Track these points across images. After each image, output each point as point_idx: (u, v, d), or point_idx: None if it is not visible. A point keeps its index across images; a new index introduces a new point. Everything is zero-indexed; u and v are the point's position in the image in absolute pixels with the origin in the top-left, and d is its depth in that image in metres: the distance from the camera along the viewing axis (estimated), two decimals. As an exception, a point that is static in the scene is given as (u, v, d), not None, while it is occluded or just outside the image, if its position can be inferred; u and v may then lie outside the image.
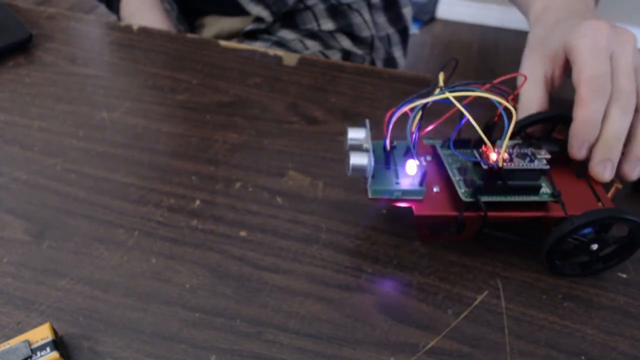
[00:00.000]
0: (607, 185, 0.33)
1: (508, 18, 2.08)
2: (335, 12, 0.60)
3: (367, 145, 0.30)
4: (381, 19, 0.64)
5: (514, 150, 0.29)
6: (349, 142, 0.31)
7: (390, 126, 0.29)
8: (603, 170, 0.31)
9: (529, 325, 0.29)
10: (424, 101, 0.28)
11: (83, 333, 0.28)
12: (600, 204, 0.31)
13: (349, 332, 0.28)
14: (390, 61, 0.69)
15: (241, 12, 0.60)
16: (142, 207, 0.35)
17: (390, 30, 0.66)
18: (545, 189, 0.30)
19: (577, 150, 0.32)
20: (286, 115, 0.43)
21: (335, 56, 0.62)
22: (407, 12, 0.66)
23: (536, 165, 0.29)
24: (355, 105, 0.44)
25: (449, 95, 0.27)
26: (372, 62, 0.66)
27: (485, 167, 0.28)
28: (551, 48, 0.35)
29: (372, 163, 0.29)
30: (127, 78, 0.47)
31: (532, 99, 0.35)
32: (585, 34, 0.33)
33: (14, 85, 0.45)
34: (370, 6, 0.62)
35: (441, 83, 0.29)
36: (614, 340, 0.28)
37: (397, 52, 0.68)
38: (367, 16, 0.61)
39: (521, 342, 0.28)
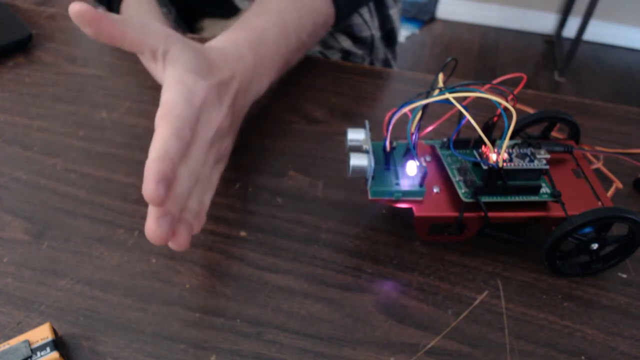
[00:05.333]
0: (606, 185, 0.33)
1: (508, 18, 2.08)
2: (363, 7, 0.60)
3: (367, 146, 0.30)
4: (375, 21, 0.64)
5: (514, 151, 0.30)
6: (349, 143, 0.31)
7: (390, 127, 0.29)
8: None
9: (529, 325, 0.29)
10: (424, 102, 0.28)
11: (83, 333, 0.28)
12: (600, 203, 0.31)
13: (349, 332, 0.28)
14: (386, 63, 0.69)
15: (239, 13, 0.60)
16: (142, 207, 0.35)
17: (378, 34, 0.65)
18: (545, 189, 0.30)
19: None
20: (286, 115, 0.43)
21: (335, 56, 0.62)
22: (394, 13, 0.65)
23: (536, 165, 0.29)
24: (355, 105, 0.44)
25: (449, 96, 0.27)
26: (372, 63, 0.66)
27: (485, 167, 0.28)
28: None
29: (372, 164, 0.29)
30: (127, 78, 0.47)
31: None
32: None
33: (14, 85, 0.45)
34: (368, 7, 0.62)
35: (441, 84, 0.29)
36: (614, 340, 0.28)
37: (387, 55, 0.68)
38: (367, 16, 0.61)
39: (521, 342, 0.28)
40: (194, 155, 0.29)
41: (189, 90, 0.29)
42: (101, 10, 0.28)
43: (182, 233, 0.28)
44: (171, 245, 0.27)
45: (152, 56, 0.31)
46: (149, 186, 0.25)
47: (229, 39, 0.37)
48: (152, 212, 0.26)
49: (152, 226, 0.26)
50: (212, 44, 0.36)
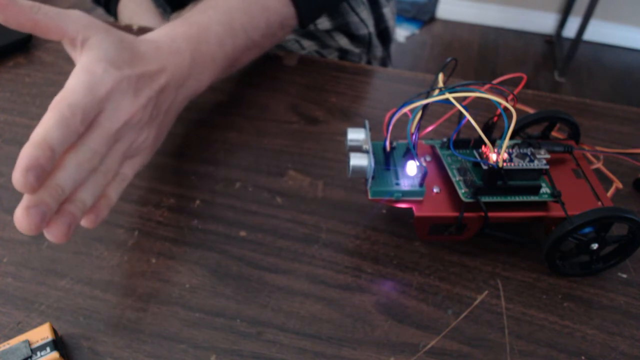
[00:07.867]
0: (606, 185, 0.33)
1: (508, 18, 2.09)
2: (332, 10, 0.60)
3: (367, 146, 0.30)
4: (370, 21, 0.64)
5: (514, 150, 0.30)
6: (349, 143, 0.31)
7: (390, 127, 0.29)
8: None
9: (529, 325, 0.29)
10: (424, 102, 0.28)
11: (83, 333, 0.28)
12: (600, 203, 0.31)
13: (349, 332, 0.29)
14: (383, 61, 0.69)
15: None
16: (142, 207, 0.35)
17: (374, 32, 0.65)
18: (545, 189, 0.30)
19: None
20: (286, 115, 0.43)
21: (332, 55, 0.62)
22: (388, 12, 0.65)
23: (536, 165, 0.29)
24: (355, 105, 0.44)
25: (449, 96, 0.27)
26: (369, 61, 0.66)
27: (485, 167, 0.28)
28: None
29: (372, 164, 0.29)
30: (127, 78, 0.47)
31: None
32: None
33: (14, 85, 0.45)
34: (365, 5, 0.62)
35: (441, 84, 0.29)
36: (614, 340, 0.28)
37: (382, 54, 0.68)
38: (364, 14, 0.61)
39: (521, 342, 0.28)
40: (88, 145, 0.27)
41: (95, 79, 0.28)
42: None
43: (59, 225, 0.25)
44: (47, 236, 0.26)
45: (72, 44, 0.30)
46: (17, 172, 0.23)
47: (167, 33, 0.36)
48: (23, 200, 0.24)
49: (19, 215, 0.24)
50: (148, 36, 0.35)
